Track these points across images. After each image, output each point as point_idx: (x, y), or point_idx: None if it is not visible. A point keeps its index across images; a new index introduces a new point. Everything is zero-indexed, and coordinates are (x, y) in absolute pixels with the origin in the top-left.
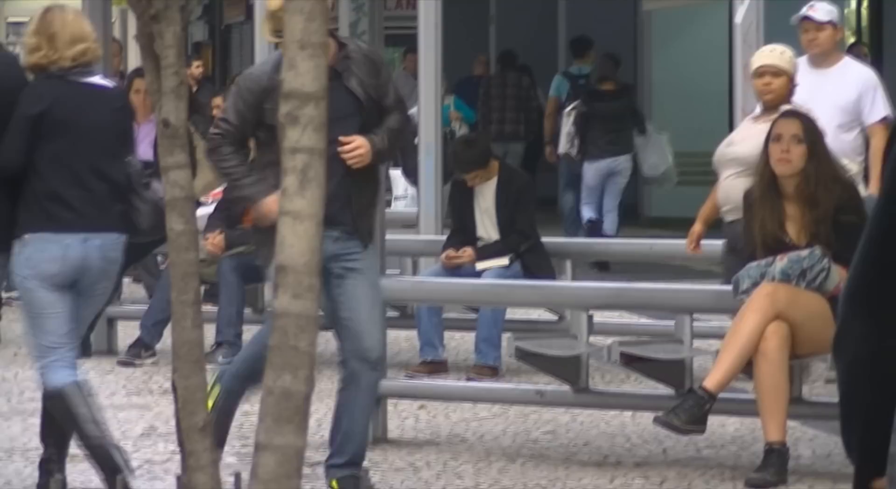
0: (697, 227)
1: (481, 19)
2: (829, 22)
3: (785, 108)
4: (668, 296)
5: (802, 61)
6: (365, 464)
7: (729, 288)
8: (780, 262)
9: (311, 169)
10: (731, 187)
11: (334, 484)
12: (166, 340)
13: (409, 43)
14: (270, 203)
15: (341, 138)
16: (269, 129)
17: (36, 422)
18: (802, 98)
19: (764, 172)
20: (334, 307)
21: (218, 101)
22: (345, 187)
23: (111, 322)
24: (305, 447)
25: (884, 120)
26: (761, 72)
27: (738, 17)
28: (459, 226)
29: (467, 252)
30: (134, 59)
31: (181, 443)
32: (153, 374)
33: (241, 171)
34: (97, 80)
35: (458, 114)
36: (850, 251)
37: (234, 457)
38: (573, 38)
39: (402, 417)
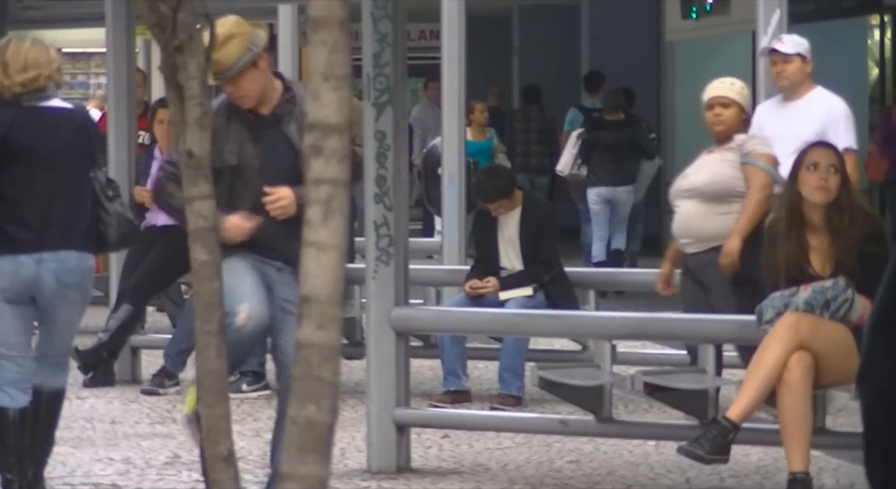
0: (666, 268)
1: (504, 50)
2: (797, 54)
3: (740, 136)
4: (691, 326)
5: (774, 99)
6: None
7: (752, 318)
8: (804, 292)
9: (334, 200)
10: (689, 217)
11: None
12: (190, 369)
13: (432, 73)
14: (231, 220)
15: (265, 189)
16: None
17: (59, 450)
18: (773, 128)
19: (791, 201)
20: (273, 332)
21: None
22: (284, 225)
23: (135, 351)
24: (329, 477)
25: (846, 151)
26: (711, 103)
27: (762, 46)
28: (483, 255)
29: (491, 282)
30: (157, 89)
31: (205, 473)
32: (177, 403)
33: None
34: (55, 103)
35: (502, 147)
36: (874, 282)
37: (257, 485)
38: (587, 73)
39: (425, 447)
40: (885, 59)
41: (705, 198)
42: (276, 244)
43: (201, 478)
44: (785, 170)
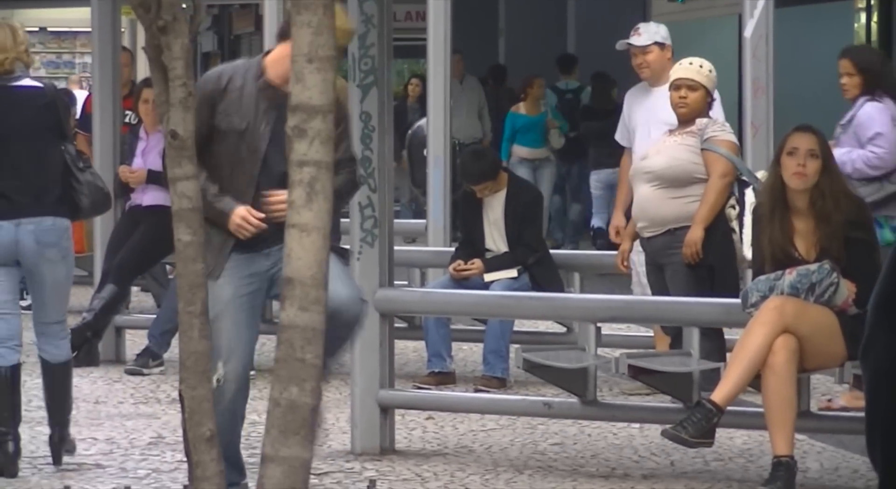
0: (625, 245)
1: (491, 32)
2: (654, 43)
3: (701, 121)
4: (676, 308)
5: (639, 85)
6: (373, 474)
7: (737, 301)
8: (789, 276)
9: (318, 182)
10: (646, 201)
11: None
12: (174, 350)
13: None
14: (239, 212)
15: (265, 191)
16: (218, 133)
17: (43, 430)
18: (642, 115)
19: (774, 186)
20: None
21: None
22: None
23: (119, 331)
24: (312, 459)
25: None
26: (678, 85)
27: (748, 31)
28: (468, 237)
29: (476, 264)
30: (143, 68)
31: (188, 454)
32: (161, 383)
33: (203, 185)
34: (25, 82)
35: (555, 122)
36: (859, 266)
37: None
38: (560, 55)
39: (409, 428)
40: (871, 42)
41: (663, 182)
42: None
43: (185, 459)
44: (641, 150)
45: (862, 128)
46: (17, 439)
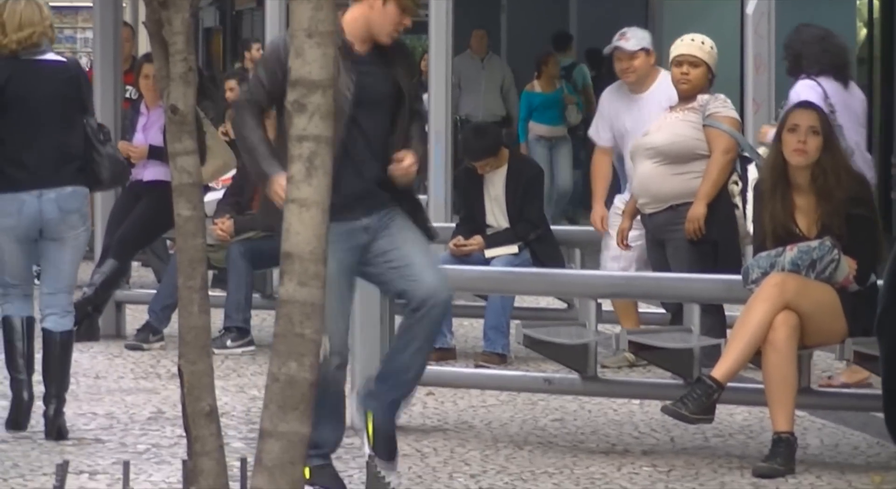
0: (625, 223)
1: (493, 8)
2: (641, 49)
3: (703, 97)
4: (677, 285)
5: (617, 86)
6: (370, 451)
7: (738, 278)
8: (790, 253)
9: (317, 157)
10: (648, 178)
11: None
12: (174, 325)
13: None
14: (278, 181)
15: (396, 155)
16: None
17: (41, 406)
18: (629, 123)
19: (775, 162)
20: (388, 273)
21: (231, 83)
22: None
23: (119, 306)
24: (310, 434)
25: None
26: (679, 61)
27: (750, 9)
28: (469, 213)
29: (476, 239)
30: (145, 43)
31: (187, 429)
32: (161, 359)
33: (258, 141)
34: (49, 56)
35: (572, 98)
36: (860, 243)
37: (241, 441)
38: (555, 33)
39: (409, 404)
40: (873, 19)
41: (665, 158)
42: (367, 200)
43: (184, 434)
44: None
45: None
46: (31, 388)
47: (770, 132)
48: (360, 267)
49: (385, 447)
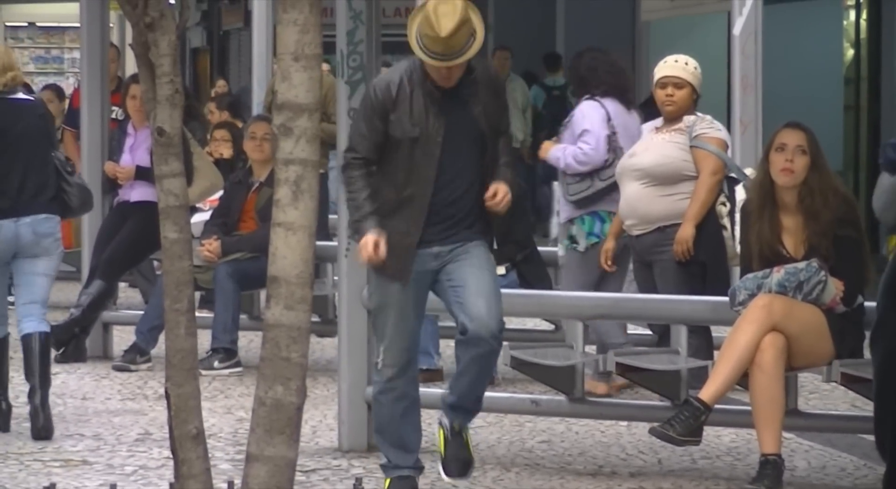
0: (609, 244)
1: None
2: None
3: (689, 118)
4: (663, 306)
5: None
6: (360, 471)
7: (725, 299)
8: (777, 274)
9: (304, 180)
10: (636, 199)
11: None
12: (162, 345)
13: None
14: (366, 243)
15: (488, 192)
16: (391, 141)
17: (29, 426)
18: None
19: (763, 182)
20: (447, 293)
21: (212, 106)
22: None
23: (107, 327)
24: (297, 458)
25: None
26: (664, 83)
27: (737, 29)
28: None
29: None
30: (131, 64)
31: (174, 451)
32: (148, 380)
33: (361, 198)
34: (20, 95)
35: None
36: (847, 265)
37: (228, 463)
38: (546, 54)
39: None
40: (860, 39)
41: (653, 180)
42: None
43: (172, 456)
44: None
45: (575, 125)
46: (7, 399)
47: (552, 148)
48: (432, 285)
49: (455, 464)
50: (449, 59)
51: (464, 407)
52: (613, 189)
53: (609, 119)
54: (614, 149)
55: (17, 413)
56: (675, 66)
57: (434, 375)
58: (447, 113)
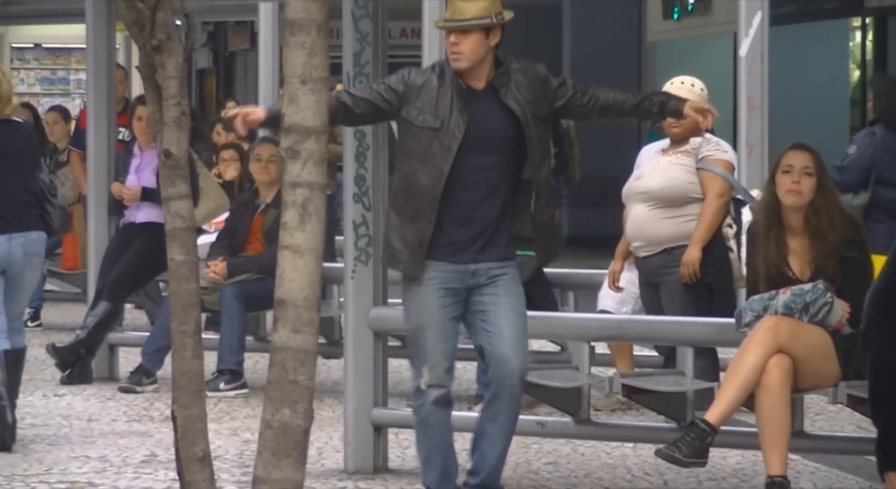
0: (616, 265)
1: None
2: None
3: (695, 140)
4: (670, 328)
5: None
6: None
7: (731, 321)
8: (783, 296)
9: (311, 203)
10: (642, 221)
11: None
12: (167, 367)
13: None
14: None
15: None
16: (411, 129)
17: (36, 448)
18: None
19: (769, 203)
20: (478, 333)
21: (219, 127)
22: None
23: (112, 349)
24: (304, 481)
25: None
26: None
27: (743, 50)
28: None
29: None
30: (138, 85)
31: (180, 474)
32: (154, 401)
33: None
34: (12, 116)
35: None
36: (854, 286)
37: (234, 485)
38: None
39: (402, 447)
40: (866, 61)
41: (659, 202)
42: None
43: (178, 478)
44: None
45: None
46: (14, 411)
47: None
48: (465, 307)
49: None
50: (453, 23)
51: (491, 457)
52: None
53: None
54: None
55: (22, 434)
56: (682, 87)
57: None
58: (472, 111)
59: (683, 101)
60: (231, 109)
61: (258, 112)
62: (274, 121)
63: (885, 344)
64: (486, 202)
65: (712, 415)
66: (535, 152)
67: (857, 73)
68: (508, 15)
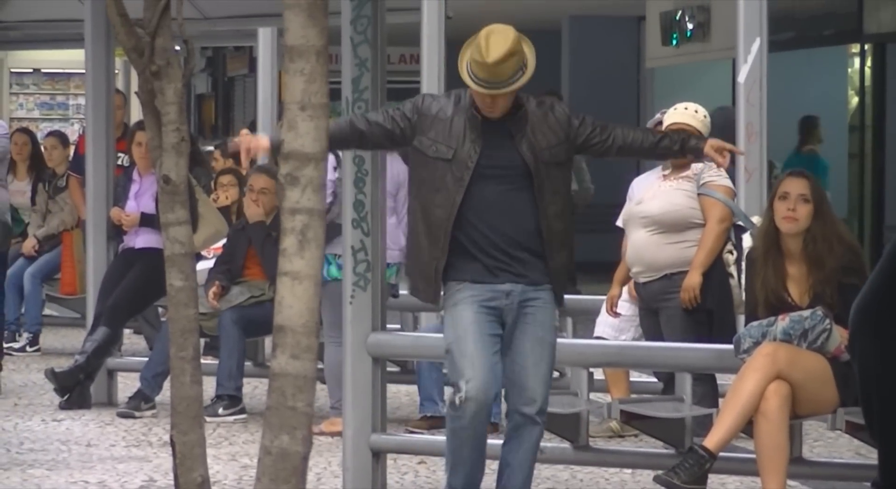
0: (615, 291)
1: None
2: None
3: (697, 165)
4: (668, 354)
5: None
6: None
7: (730, 347)
8: (782, 322)
9: (310, 230)
10: (643, 247)
11: None
12: (166, 392)
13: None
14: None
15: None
16: (423, 159)
17: (35, 473)
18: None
19: (767, 230)
20: (504, 353)
21: (216, 153)
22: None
23: (111, 374)
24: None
25: None
26: (674, 129)
27: (742, 76)
28: None
29: None
30: (137, 110)
31: None
32: (153, 426)
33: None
34: None
35: None
36: None
37: None
38: (546, 91)
39: (401, 472)
40: (864, 87)
41: (660, 227)
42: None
43: None
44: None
45: None
46: None
47: None
48: (505, 326)
49: None
50: (494, 88)
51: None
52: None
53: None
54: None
55: (21, 459)
56: (685, 113)
57: (439, 422)
58: (486, 142)
59: (704, 139)
60: (245, 136)
61: (262, 141)
62: (278, 149)
63: (870, 352)
64: (509, 228)
65: (711, 441)
66: (545, 199)
67: (855, 100)
68: (531, 56)
